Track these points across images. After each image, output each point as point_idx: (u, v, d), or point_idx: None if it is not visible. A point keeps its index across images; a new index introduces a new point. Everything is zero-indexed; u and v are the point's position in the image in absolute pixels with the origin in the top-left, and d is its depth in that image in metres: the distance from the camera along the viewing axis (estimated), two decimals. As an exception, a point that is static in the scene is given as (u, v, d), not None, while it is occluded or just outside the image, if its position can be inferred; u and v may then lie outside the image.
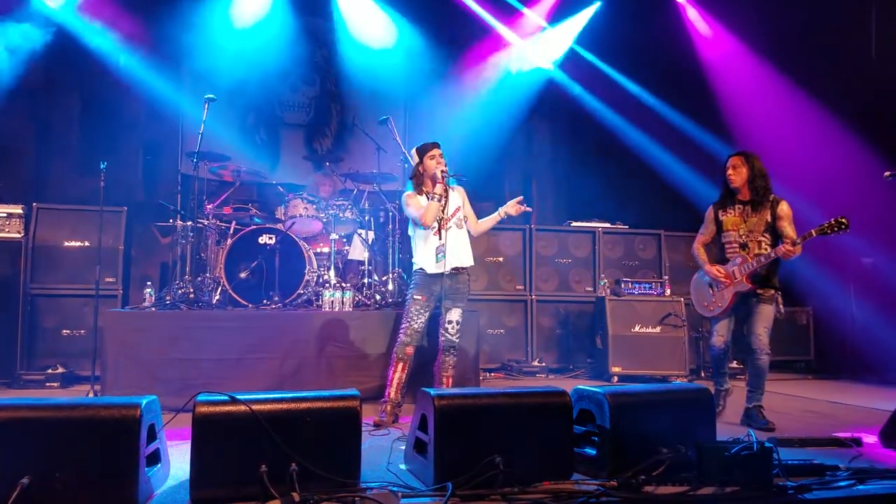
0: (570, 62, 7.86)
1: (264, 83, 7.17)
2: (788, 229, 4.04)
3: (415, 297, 4.13)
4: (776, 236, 4.08)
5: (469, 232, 4.26)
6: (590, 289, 6.78)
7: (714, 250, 4.35)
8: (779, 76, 7.00)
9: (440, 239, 4.04)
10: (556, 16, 7.83)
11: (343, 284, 5.28)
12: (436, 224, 4.04)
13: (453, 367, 4.21)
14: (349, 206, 5.74)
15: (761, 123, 7.05)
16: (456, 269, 4.12)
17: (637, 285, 6.28)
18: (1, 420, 2.36)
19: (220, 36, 6.89)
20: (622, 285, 6.28)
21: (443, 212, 4.04)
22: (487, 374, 6.03)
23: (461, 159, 7.54)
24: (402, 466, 3.04)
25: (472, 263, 4.24)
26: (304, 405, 2.63)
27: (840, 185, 6.36)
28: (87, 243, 5.62)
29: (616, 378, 5.97)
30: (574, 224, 6.98)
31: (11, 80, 6.07)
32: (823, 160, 6.55)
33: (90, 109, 6.68)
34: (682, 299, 6.07)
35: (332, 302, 5.03)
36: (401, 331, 4.17)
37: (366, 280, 5.54)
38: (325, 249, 5.61)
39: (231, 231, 5.44)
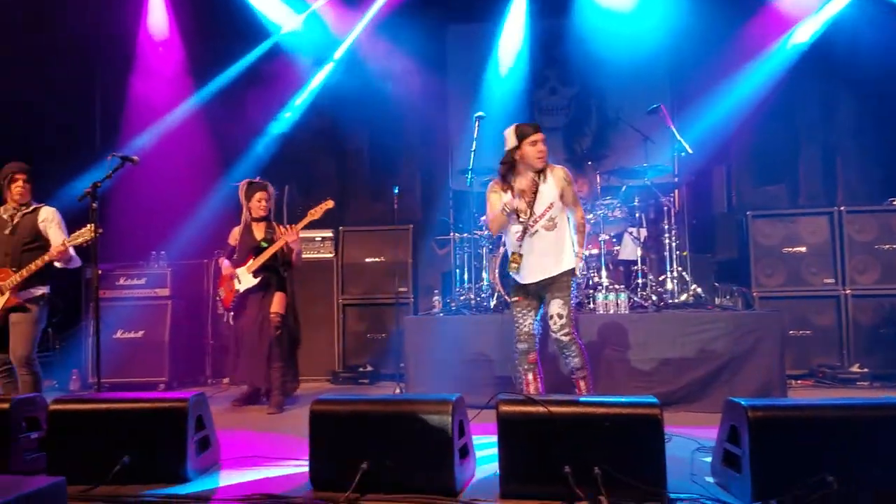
0: (877, 10, 6.53)
1: (524, 91, 7.33)
2: None
3: (512, 299, 3.77)
4: None
5: (573, 223, 3.70)
6: (927, 279, 5.52)
7: None
8: None
9: (520, 246, 3.57)
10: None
11: (616, 286, 5.11)
12: (518, 228, 3.59)
13: (580, 368, 3.63)
14: (618, 205, 5.55)
15: None
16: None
17: None
18: (346, 412, 2.77)
19: (482, 53, 7.25)
20: (975, 274, 4.98)
21: (530, 211, 3.55)
22: (793, 382, 5.29)
23: (740, 138, 6.81)
24: (709, 479, 2.86)
25: (569, 266, 3.62)
26: (601, 410, 2.62)
27: None
28: (382, 258, 6.39)
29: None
30: (899, 202, 5.76)
31: (317, 122, 7.19)
32: None
33: (376, 140, 7.57)
34: None
35: (607, 304, 4.91)
36: (514, 340, 3.76)
37: (640, 280, 5.30)
38: (595, 251, 5.49)
39: (503, 239, 5.63)
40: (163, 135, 6.70)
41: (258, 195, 4.90)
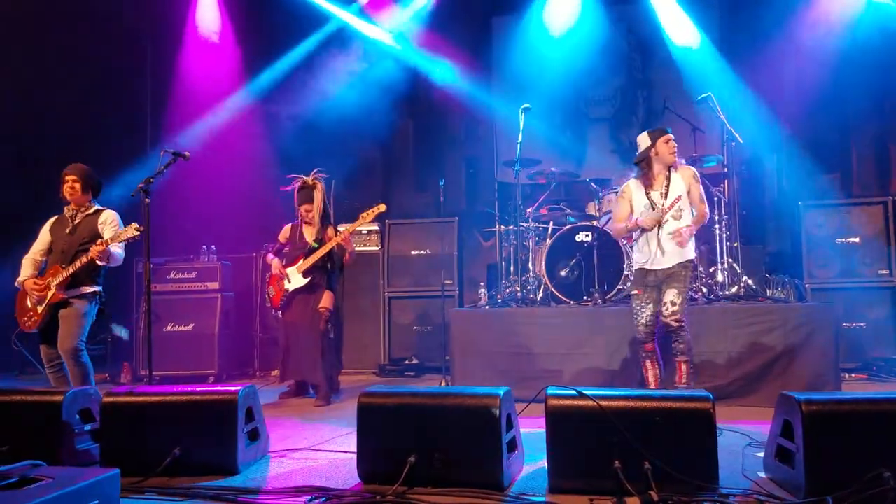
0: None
1: (570, 82, 7.25)
2: None
3: (632, 293, 4.11)
4: None
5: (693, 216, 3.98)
6: None
7: None
8: None
9: (657, 234, 3.90)
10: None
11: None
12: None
13: (684, 353, 3.92)
14: (666, 195, 5.46)
15: None
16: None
17: None
18: (393, 405, 2.79)
19: (528, 44, 7.19)
20: None
21: (663, 201, 3.90)
22: (847, 375, 5.15)
23: (791, 128, 6.61)
24: (761, 474, 2.81)
25: (690, 256, 3.96)
26: (652, 404, 2.60)
27: None
28: (428, 251, 6.44)
29: None
30: (958, 193, 5.52)
31: (363, 114, 7.26)
32: None
33: (421, 132, 7.61)
34: None
35: (655, 296, 4.85)
36: (634, 332, 4.10)
37: (689, 272, 5.22)
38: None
39: (549, 231, 5.63)
40: (212, 129, 6.85)
41: (302, 207, 4.93)
